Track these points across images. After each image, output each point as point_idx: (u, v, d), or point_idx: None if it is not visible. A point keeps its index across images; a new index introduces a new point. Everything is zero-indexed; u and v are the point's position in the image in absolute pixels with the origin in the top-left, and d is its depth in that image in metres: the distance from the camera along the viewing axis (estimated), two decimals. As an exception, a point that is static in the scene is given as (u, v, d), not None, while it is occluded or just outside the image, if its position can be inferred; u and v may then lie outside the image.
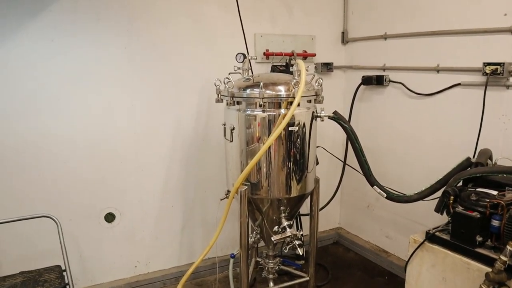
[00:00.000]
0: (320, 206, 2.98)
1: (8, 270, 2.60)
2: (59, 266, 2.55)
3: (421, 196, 2.53)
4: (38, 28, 2.60)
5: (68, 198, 2.86)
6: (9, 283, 2.38)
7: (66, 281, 2.39)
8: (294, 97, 2.32)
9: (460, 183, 2.32)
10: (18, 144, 2.67)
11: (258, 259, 3.03)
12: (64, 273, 2.46)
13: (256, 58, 3.06)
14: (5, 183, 2.67)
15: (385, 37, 3.27)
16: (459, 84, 2.75)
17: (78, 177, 2.87)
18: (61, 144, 2.78)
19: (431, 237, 2.28)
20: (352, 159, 3.34)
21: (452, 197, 2.20)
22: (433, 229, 2.32)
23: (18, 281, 2.41)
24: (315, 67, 3.54)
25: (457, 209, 2.17)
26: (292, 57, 3.32)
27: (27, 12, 2.56)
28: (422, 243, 2.30)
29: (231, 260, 2.93)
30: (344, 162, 3.48)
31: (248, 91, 2.41)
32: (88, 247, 3.00)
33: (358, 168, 2.71)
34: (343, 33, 3.67)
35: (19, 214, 2.57)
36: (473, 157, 2.44)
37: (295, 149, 2.45)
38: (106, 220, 3.02)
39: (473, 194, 2.10)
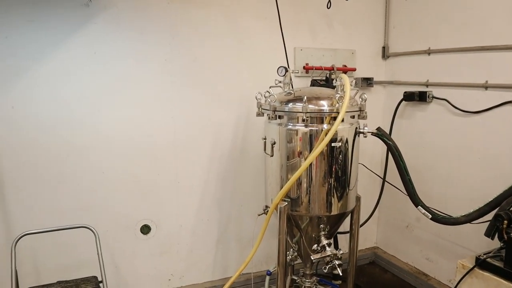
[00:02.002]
0: (359, 225, 2.88)
1: (45, 279, 2.62)
2: (95, 277, 2.55)
3: (469, 218, 2.41)
4: (82, 41, 2.65)
5: (105, 209, 2.88)
6: (48, 292, 2.40)
7: (103, 292, 2.39)
8: (337, 112, 2.26)
9: (514, 207, 2.20)
10: (59, 153, 2.70)
11: (294, 277, 2.94)
12: (101, 284, 2.46)
13: (298, 72, 3.02)
14: (44, 192, 2.71)
15: (428, 52, 3.17)
16: (509, 101, 2.62)
17: (115, 188, 2.88)
18: (100, 155, 2.81)
19: (481, 263, 2.16)
20: (391, 176, 3.25)
21: (506, 222, 2.08)
22: (484, 254, 2.19)
23: (56, 290, 2.42)
24: (355, 82, 3.47)
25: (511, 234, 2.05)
26: (332, 71, 3.27)
27: (72, 24, 2.61)
28: (472, 268, 2.18)
29: (267, 277, 2.87)
30: (384, 179, 3.37)
31: (290, 105, 2.37)
32: (123, 258, 3.00)
33: (398, 186, 2.61)
34: (384, 47, 3.60)
35: (57, 224, 2.60)
36: (526, 179, 2.30)
37: (337, 166, 2.38)
38: (141, 232, 3.02)
39: (530, 219, 1.98)
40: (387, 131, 3.39)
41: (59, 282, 2.52)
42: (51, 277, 2.61)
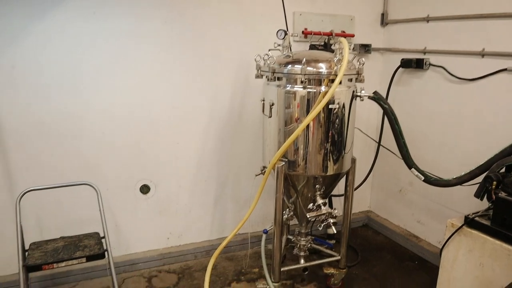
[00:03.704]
0: (353, 188, 2.96)
1: (48, 235, 2.70)
2: (97, 233, 2.64)
3: (460, 181, 2.49)
4: (82, 2, 2.63)
5: (105, 169, 2.94)
6: (52, 246, 2.48)
7: (105, 247, 2.47)
8: (335, 75, 2.29)
9: (503, 170, 2.27)
10: (61, 114, 2.74)
11: (290, 237, 3.05)
12: (103, 240, 2.54)
13: (297, 36, 3.03)
14: (47, 153, 2.76)
15: (427, 19, 3.18)
16: (505, 69, 2.66)
17: (115, 149, 2.94)
18: (100, 116, 2.84)
19: (470, 222, 2.25)
20: (386, 142, 3.32)
21: (495, 183, 2.16)
22: (473, 214, 2.28)
23: (59, 245, 2.51)
24: (353, 48, 3.48)
25: (500, 194, 2.13)
26: (331, 36, 3.28)
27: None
28: (461, 227, 2.27)
29: (264, 236, 2.96)
30: (379, 144, 3.44)
31: (289, 67, 2.40)
32: (123, 217, 3.09)
33: (393, 150, 2.67)
34: (382, 14, 3.59)
35: (60, 183, 2.66)
36: (517, 144, 2.37)
37: (334, 127, 2.43)
38: (141, 192, 3.09)
39: (518, 180, 2.06)
40: (385, 98, 3.43)
41: (62, 238, 2.61)
42: (54, 233, 2.70)
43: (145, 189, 3.10)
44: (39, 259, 2.34)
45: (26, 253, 2.41)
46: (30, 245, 2.49)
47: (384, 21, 3.60)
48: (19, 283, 2.24)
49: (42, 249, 2.45)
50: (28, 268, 2.31)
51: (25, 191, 2.42)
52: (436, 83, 3.16)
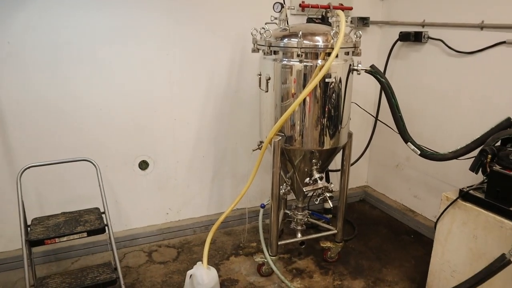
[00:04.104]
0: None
1: (49, 211, 2.73)
2: (97, 209, 2.67)
3: (456, 154, 2.50)
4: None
5: (104, 145, 2.95)
6: (53, 221, 2.52)
7: (105, 222, 2.51)
8: (332, 48, 2.28)
9: (499, 143, 2.28)
10: (58, 93, 2.73)
11: (287, 211, 3.09)
12: (103, 215, 2.57)
13: (294, 9, 2.99)
14: (47, 130, 2.76)
15: (426, -9, 3.14)
16: (504, 42, 2.63)
17: (114, 126, 2.94)
18: (97, 92, 2.83)
19: (464, 195, 2.28)
20: (383, 117, 3.32)
21: (489, 156, 2.18)
22: (467, 187, 2.31)
23: (60, 220, 2.54)
24: (351, 21, 3.44)
25: (494, 167, 2.14)
26: (328, 9, 3.22)
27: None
28: (455, 200, 2.30)
29: (261, 210, 3.00)
30: (376, 118, 3.44)
31: (285, 40, 2.38)
32: (123, 193, 3.12)
33: (390, 125, 2.68)
34: (382, -14, 3.54)
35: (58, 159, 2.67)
36: (514, 117, 2.37)
37: (330, 102, 2.44)
38: (140, 168, 3.11)
39: (512, 154, 2.07)
40: (382, 71, 3.41)
41: (63, 213, 2.64)
42: (54, 209, 2.73)
43: (143, 165, 3.12)
44: (41, 234, 2.37)
45: (29, 229, 2.44)
46: (32, 220, 2.52)
47: (383, -7, 3.55)
48: (23, 257, 2.28)
49: (44, 224, 2.48)
50: (31, 243, 2.34)
51: (25, 167, 2.44)
52: (434, 56, 3.14)
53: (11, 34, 2.53)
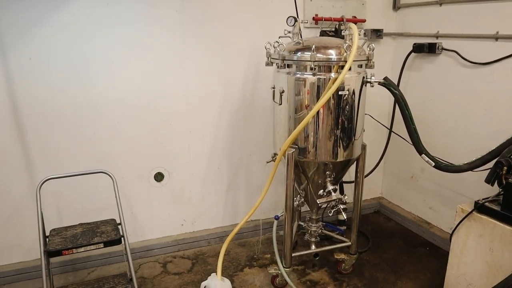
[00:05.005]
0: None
1: (67, 221, 2.80)
2: (114, 220, 2.72)
3: (471, 166, 2.49)
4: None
5: (121, 158, 3.00)
6: (71, 232, 2.57)
7: (121, 234, 2.55)
8: (345, 61, 2.30)
9: (514, 155, 2.26)
10: (76, 104, 2.79)
11: (301, 223, 3.09)
12: (119, 226, 2.62)
13: (307, 23, 3.02)
14: (63, 142, 2.83)
15: (440, 2, 3.13)
16: (519, 52, 2.63)
17: (129, 138, 3.00)
18: (114, 106, 2.90)
19: (480, 207, 2.26)
20: (397, 128, 3.31)
21: (505, 168, 2.16)
22: (483, 199, 2.29)
23: (78, 231, 2.59)
24: (364, 33, 3.46)
25: (510, 180, 2.13)
26: (342, 22, 3.26)
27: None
28: (471, 212, 2.28)
29: (275, 222, 3.01)
30: (390, 130, 3.43)
31: (299, 54, 2.41)
32: (138, 205, 3.16)
33: (405, 137, 2.67)
34: (394, -2, 3.56)
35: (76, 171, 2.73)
36: (530, 130, 2.36)
37: (344, 114, 2.45)
38: (155, 180, 3.16)
39: (528, 165, 2.05)
40: (396, 83, 3.41)
41: (80, 224, 2.69)
42: (72, 220, 2.78)
43: (159, 177, 3.16)
44: (59, 244, 2.42)
45: (47, 239, 2.49)
46: (51, 231, 2.58)
47: (396, 5, 3.56)
48: (41, 267, 2.33)
49: (62, 235, 2.54)
50: (49, 253, 2.39)
51: (44, 180, 2.50)
52: (448, 68, 3.13)
53: (31, 50, 2.61)
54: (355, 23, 3.28)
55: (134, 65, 2.88)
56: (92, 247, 2.45)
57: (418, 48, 3.27)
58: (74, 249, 2.41)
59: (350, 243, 2.91)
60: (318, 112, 2.37)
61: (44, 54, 2.65)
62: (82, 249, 2.43)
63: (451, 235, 2.43)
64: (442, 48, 3.14)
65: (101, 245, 2.46)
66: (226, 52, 3.09)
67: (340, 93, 2.37)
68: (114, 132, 2.95)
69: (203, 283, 2.56)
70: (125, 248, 2.53)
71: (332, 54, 2.37)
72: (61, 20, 2.64)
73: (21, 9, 2.53)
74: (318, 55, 2.34)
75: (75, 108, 2.80)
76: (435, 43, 3.14)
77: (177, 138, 3.13)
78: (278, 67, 2.52)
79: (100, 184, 2.82)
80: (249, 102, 3.25)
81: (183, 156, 3.18)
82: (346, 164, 2.63)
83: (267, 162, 2.79)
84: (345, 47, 2.34)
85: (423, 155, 2.60)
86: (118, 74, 2.86)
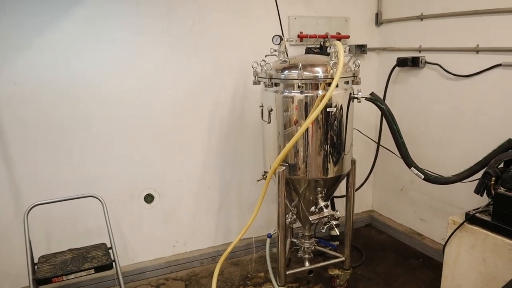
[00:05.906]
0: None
1: (56, 247, 2.74)
2: (104, 244, 2.67)
3: (460, 177, 2.52)
4: (81, 15, 2.67)
5: (109, 179, 2.97)
6: (60, 259, 2.52)
7: (112, 258, 2.51)
8: (332, 78, 2.33)
9: (502, 165, 2.30)
10: (64, 126, 2.77)
11: (294, 240, 3.08)
12: (110, 250, 2.58)
13: (292, 40, 3.07)
14: (51, 164, 2.79)
15: (421, 17, 3.21)
16: (500, 64, 2.68)
17: (119, 160, 2.97)
18: (103, 127, 2.88)
19: (471, 218, 2.28)
20: (385, 141, 3.35)
21: (493, 179, 2.19)
22: (473, 210, 2.31)
23: (68, 257, 2.54)
24: (349, 49, 3.51)
25: (499, 190, 2.16)
26: (326, 39, 3.31)
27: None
28: (462, 224, 2.30)
29: (268, 240, 3.00)
30: (378, 144, 3.47)
31: (286, 72, 2.43)
32: (129, 227, 3.12)
33: (393, 150, 2.70)
34: (377, 14, 3.62)
35: (64, 195, 2.68)
36: (514, 139, 2.40)
37: (333, 130, 2.47)
38: (145, 201, 3.13)
39: (515, 175, 2.09)
40: (381, 97, 3.46)
41: (70, 250, 2.65)
42: (61, 245, 2.73)
43: (149, 198, 3.13)
44: (49, 272, 2.37)
45: (36, 267, 2.44)
46: (39, 258, 2.53)
47: (378, 20, 3.63)
48: (30, 296, 2.28)
49: (51, 262, 2.49)
50: (38, 281, 2.33)
51: (32, 206, 2.46)
52: (432, 80, 3.19)
53: (18, 75, 2.60)
54: (340, 39, 3.37)
55: (122, 85, 2.87)
56: (83, 273, 2.40)
57: (402, 62, 3.33)
58: (64, 276, 2.36)
59: (343, 258, 2.91)
60: (307, 130, 2.39)
61: (30, 77, 2.62)
62: (72, 276, 2.38)
63: (444, 246, 2.44)
64: (425, 62, 3.21)
65: (92, 271, 2.42)
66: (213, 71, 3.11)
67: (328, 110, 2.39)
68: (103, 154, 2.92)
69: (197, 306, 2.52)
70: (117, 272, 2.49)
71: (319, 71, 2.40)
72: (47, 42, 2.63)
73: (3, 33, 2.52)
74: (305, 73, 2.37)
75: (64, 130, 2.77)
76: (418, 57, 3.20)
77: (167, 159, 3.12)
78: (265, 85, 2.54)
79: (89, 207, 2.78)
80: (238, 120, 3.26)
81: (172, 177, 3.16)
82: (336, 180, 2.64)
83: (258, 181, 2.79)
84: (331, 64, 2.37)
85: (412, 168, 2.63)
86: (106, 94, 2.84)
